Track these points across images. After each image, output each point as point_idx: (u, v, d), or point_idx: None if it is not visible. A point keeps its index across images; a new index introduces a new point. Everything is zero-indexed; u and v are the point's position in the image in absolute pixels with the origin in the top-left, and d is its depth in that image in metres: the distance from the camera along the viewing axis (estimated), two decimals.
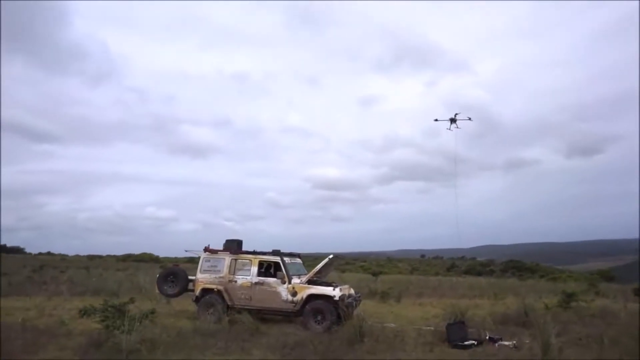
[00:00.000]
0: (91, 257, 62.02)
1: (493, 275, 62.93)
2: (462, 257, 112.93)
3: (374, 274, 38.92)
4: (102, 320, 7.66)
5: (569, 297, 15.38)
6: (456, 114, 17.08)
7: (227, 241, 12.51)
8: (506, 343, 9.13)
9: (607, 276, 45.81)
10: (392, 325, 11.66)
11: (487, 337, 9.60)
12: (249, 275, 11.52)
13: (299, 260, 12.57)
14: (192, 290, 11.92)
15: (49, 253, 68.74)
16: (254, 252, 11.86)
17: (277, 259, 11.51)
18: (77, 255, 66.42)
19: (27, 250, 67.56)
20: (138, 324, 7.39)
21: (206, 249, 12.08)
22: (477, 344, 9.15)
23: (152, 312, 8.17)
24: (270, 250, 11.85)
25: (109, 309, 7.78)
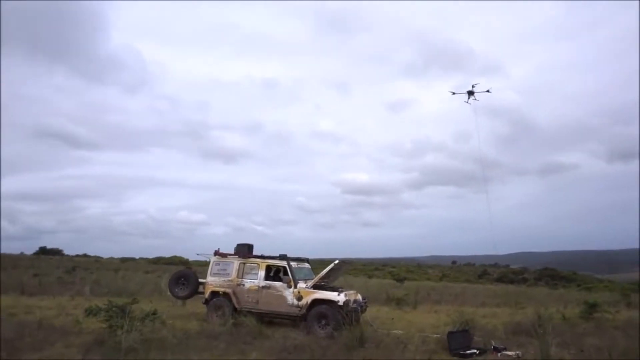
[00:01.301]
0: (124, 260, 63.98)
1: (526, 284, 61.19)
2: (495, 264, 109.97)
3: (399, 280, 38.53)
4: (106, 320, 7.98)
5: (592, 307, 14.85)
6: (473, 85, 16.25)
7: (238, 245, 12.70)
8: (510, 353, 8.91)
9: None
10: (399, 331, 11.57)
11: (492, 347, 9.40)
12: (257, 279, 11.70)
13: (307, 265, 12.65)
14: (203, 293, 12.22)
15: (85, 255, 71.26)
16: (262, 257, 12.05)
17: (284, 263, 11.64)
18: (112, 258, 68.59)
19: (66, 252, 70.26)
20: (138, 323, 7.67)
21: (216, 253, 12.36)
22: (480, 353, 8.97)
23: (154, 312, 8.43)
24: (278, 255, 11.99)
25: (113, 309, 8.10)
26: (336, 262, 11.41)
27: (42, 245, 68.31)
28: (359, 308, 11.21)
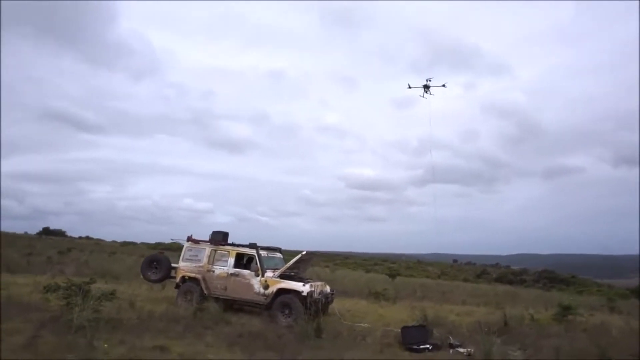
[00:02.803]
0: (124, 244, 64.69)
1: (523, 285, 61.15)
2: (496, 264, 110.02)
3: (391, 276, 38.57)
4: (65, 298, 8.18)
5: (566, 310, 14.88)
6: (428, 79, 16.34)
7: (214, 232, 12.85)
8: (461, 350, 9.00)
9: None
10: (365, 324, 11.70)
11: (449, 343, 9.49)
12: (226, 266, 11.86)
13: (279, 255, 12.77)
14: (175, 277, 12.41)
15: (87, 237, 72.21)
16: (233, 244, 12.20)
17: (253, 251, 11.77)
18: (114, 241, 69.41)
19: (70, 234, 71.21)
20: (92, 302, 7.86)
21: (189, 239, 12.53)
22: (435, 348, 9.07)
23: (112, 292, 8.62)
24: (247, 243, 12.13)
25: (72, 287, 8.29)
26: (303, 253, 11.53)
27: (46, 226, 69.21)
28: (324, 299, 11.31)
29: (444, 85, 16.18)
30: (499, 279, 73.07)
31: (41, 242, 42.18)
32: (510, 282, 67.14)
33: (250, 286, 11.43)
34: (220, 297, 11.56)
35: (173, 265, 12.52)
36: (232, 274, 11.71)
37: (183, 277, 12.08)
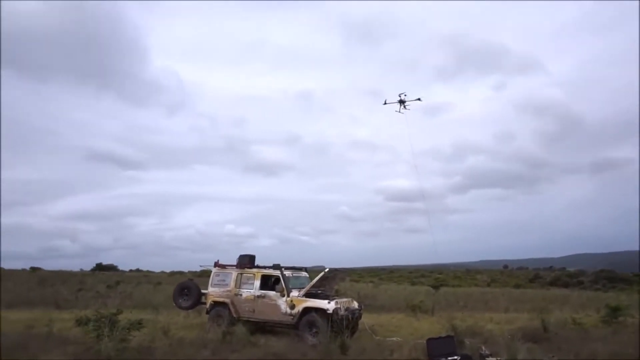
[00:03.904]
0: (172, 273, 66.38)
1: (580, 287, 57.89)
2: (550, 268, 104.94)
3: (434, 287, 37.58)
4: (95, 330, 8.58)
5: (615, 311, 14.07)
6: (403, 94, 16.12)
7: (240, 256, 13.07)
8: (492, 359, 8.68)
9: None
10: (397, 338, 11.52)
11: (480, 353, 9.18)
12: (253, 288, 12.04)
13: (304, 274, 12.83)
14: (205, 303, 12.70)
15: (137, 270, 74.67)
16: (258, 267, 12.39)
17: (277, 272, 11.90)
18: (162, 272, 71.41)
19: (121, 267, 73.95)
20: (118, 332, 8.19)
21: (216, 264, 12.83)
22: (463, 359, 8.79)
23: (139, 322, 8.95)
24: (272, 265, 12.28)
25: (101, 319, 8.69)
26: (326, 270, 11.53)
27: (99, 261, 72.22)
28: (351, 316, 11.21)
29: (419, 99, 16.13)
30: (554, 282, 69.43)
31: (93, 278, 44.03)
32: (566, 285, 63.63)
33: (277, 307, 11.53)
34: (249, 319, 11.72)
35: (203, 291, 12.82)
36: (258, 296, 11.87)
37: (212, 302, 12.35)
